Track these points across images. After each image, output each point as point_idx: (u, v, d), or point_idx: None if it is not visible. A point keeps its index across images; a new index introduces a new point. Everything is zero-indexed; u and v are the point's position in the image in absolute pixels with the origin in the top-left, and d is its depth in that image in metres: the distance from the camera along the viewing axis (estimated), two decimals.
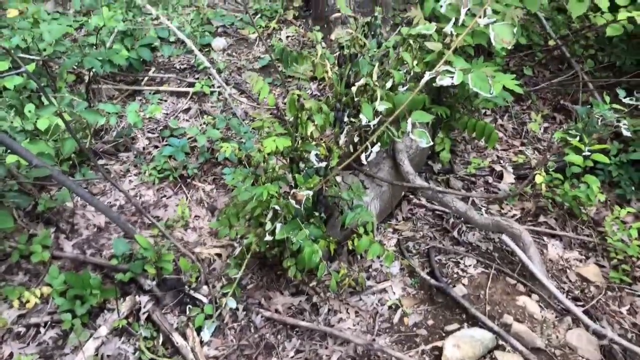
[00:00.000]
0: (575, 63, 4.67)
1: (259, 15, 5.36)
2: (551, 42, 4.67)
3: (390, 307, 2.92)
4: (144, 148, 3.90)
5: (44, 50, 3.84)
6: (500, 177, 3.86)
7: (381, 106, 2.51)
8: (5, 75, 2.44)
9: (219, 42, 4.92)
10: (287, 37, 5.20)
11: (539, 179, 3.42)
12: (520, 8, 3.45)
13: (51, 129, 3.13)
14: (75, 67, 4.12)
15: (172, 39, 4.77)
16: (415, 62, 2.59)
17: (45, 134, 3.15)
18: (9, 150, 2.70)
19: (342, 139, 2.82)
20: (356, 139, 2.78)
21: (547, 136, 4.33)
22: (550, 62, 5.02)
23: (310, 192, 2.63)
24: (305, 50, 5.09)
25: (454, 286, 2.99)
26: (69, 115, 2.50)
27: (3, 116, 3.05)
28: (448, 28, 2.60)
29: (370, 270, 3.13)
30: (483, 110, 4.45)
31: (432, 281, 2.98)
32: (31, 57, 3.78)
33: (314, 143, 2.76)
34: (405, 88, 2.66)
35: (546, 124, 4.44)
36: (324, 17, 5.16)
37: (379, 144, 2.68)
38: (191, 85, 4.39)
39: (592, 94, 4.47)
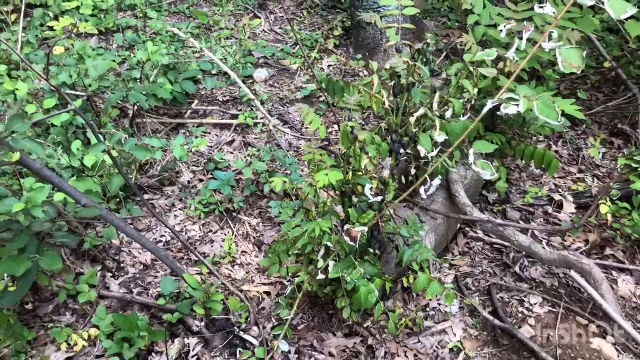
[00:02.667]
0: (632, 84, 4.46)
1: (299, 46, 5.31)
2: (606, 64, 4.47)
3: (451, 350, 2.73)
4: (188, 182, 3.84)
5: (89, 85, 3.84)
6: (559, 206, 3.65)
7: (440, 137, 2.38)
8: (56, 114, 2.39)
9: (260, 73, 4.88)
10: (329, 66, 5.14)
11: (603, 208, 3.22)
12: (578, 30, 3.31)
13: (97, 165, 3.11)
14: (119, 102, 4.11)
15: (214, 71, 4.75)
16: (475, 90, 2.45)
17: (92, 171, 3.12)
18: (56, 189, 2.66)
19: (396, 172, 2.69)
20: (413, 171, 2.64)
21: (606, 162, 4.10)
22: (603, 84, 4.81)
23: (365, 228, 2.50)
24: (348, 78, 5.01)
25: (520, 327, 2.79)
26: (118, 152, 2.44)
27: (50, 153, 3.03)
28: (510, 53, 2.46)
29: (427, 309, 2.96)
30: (536, 136, 4.27)
31: (496, 321, 2.79)
32: (77, 93, 3.79)
33: (367, 176, 2.64)
34: (466, 117, 2.53)
35: (604, 149, 4.22)
36: (365, 45, 5.08)
37: (439, 176, 2.54)
38: (234, 117, 4.34)
39: None
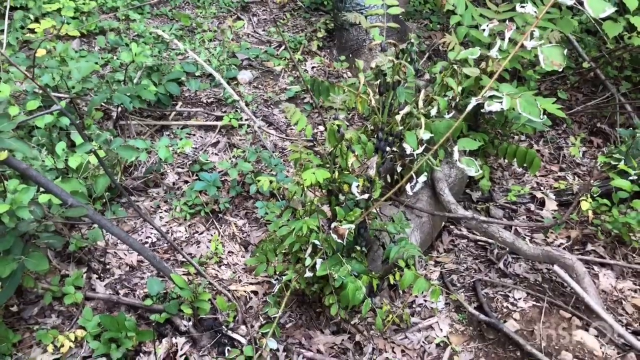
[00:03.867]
0: (610, 85, 4.55)
1: (284, 47, 5.33)
2: (585, 65, 4.56)
3: (438, 345, 2.76)
4: (173, 183, 3.83)
5: (73, 88, 3.81)
6: (542, 204, 3.71)
7: (425, 135, 2.41)
8: (40, 115, 2.38)
9: (245, 75, 4.89)
10: (313, 67, 5.16)
11: (584, 205, 3.28)
12: (558, 31, 3.37)
13: (82, 166, 3.09)
14: (102, 104, 4.09)
15: (198, 73, 4.75)
16: (459, 89, 2.49)
17: (77, 172, 3.10)
18: (42, 190, 2.64)
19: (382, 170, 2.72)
20: (399, 169, 2.67)
21: (587, 160, 4.18)
22: (583, 84, 4.90)
23: (352, 226, 2.52)
24: (332, 79, 5.04)
25: (505, 321, 2.83)
26: (105, 153, 2.43)
27: (35, 155, 3.00)
28: (493, 52, 2.51)
29: (414, 305, 2.99)
30: (518, 136, 4.34)
31: (482, 316, 2.82)
32: (60, 95, 3.76)
33: (353, 174, 2.66)
34: (450, 115, 2.56)
35: (584, 148, 4.30)
36: (349, 47, 5.11)
37: (425, 174, 2.58)
38: (219, 118, 4.34)
39: (629, 115, 4.34)
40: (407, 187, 2.57)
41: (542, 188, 3.88)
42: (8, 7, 4.72)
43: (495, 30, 3.04)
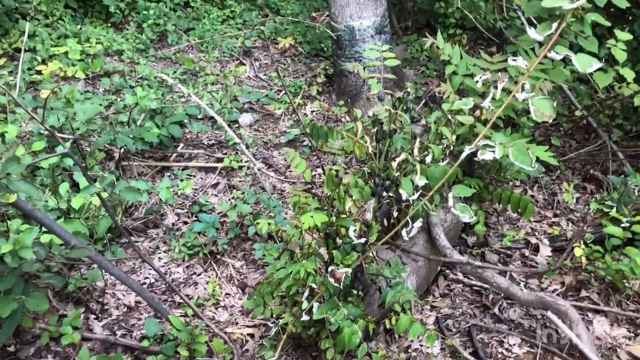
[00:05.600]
0: (602, 132, 4.66)
1: (284, 91, 5.47)
2: (577, 113, 4.68)
3: None
4: (173, 224, 3.88)
5: (78, 129, 3.91)
6: (536, 249, 3.76)
7: (421, 181, 2.48)
8: (48, 157, 2.45)
9: (245, 118, 5.00)
10: (312, 111, 5.28)
11: (578, 252, 3.33)
12: (549, 81, 3.48)
13: (85, 207, 3.15)
14: (105, 145, 4.18)
15: (200, 115, 4.86)
16: (454, 137, 2.58)
17: (79, 213, 3.16)
18: (44, 230, 2.69)
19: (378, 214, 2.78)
20: (395, 214, 2.73)
21: (580, 207, 4.25)
22: (576, 131, 5.01)
23: (349, 270, 2.56)
24: (331, 123, 5.15)
25: None
26: (108, 194, 2.50)
27: (38, 195, 3.06)
28: (486, 103, 2.61)
29: (409, 350, 3.00)
30: (513, 181, 4.41)
31: None
32: (65, 136, 3.85)
33: (350, 218, 2.72)
34: (445, 162, 2.64)
35: (577, 194, 4.37)
36: (348, 93, 5.24)
37: (420, 219, 2.64)
38: (219, 160, 4.42)
39: (622, 163, 4.43)
40: (403, 231, 2.62)
41: (536, 233, 3.94)
42: (24, 48, 4.85)
43: (489, 80, 3.15)
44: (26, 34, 4.93)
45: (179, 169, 4.34)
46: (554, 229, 3.90)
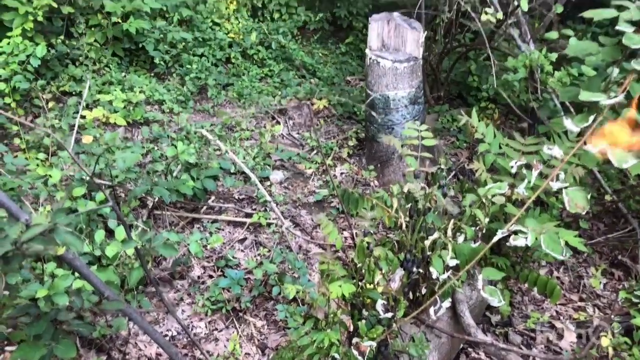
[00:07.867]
0: (632, 219, 4.64)
1: (315, 151, 5.58)
2: (607, 197, 4.68)
3: None
4: (198, 277, 3.92)
5: (116, 177, 4.03)
6: (560, 334, 3.70)
7: (452, 262, 2.51)
8: (97, 209, 2.54)
9: (276, 176, 5.11)
10: (342, 173, 5.37)
11: (605, 341, 3.28)
12: (581, 166, 3.53)
13: (117, 256, 3.22)
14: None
15: (233, 170, 4.98)
16: (486, 220, 2.62)
17: (112, 260, 3.23)
18: (76, 275, 2.76)
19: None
20: (424, 291, 2.75)
21: (607, 293, 4.20)
22: (604, 215, 5.00)
23: (374, 343, 2.57)
24: (359, 187, 5.23)
25: None
26: (146, 248, 2.58)
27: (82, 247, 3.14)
28: (521, 189, 2.65)
29: None
30: (539, 262, 4.39)
31: None
32: (104, 182, 3.97)
33: (378, 290, 2.74)
34: (477, 244, 2.68)
35: (604, 280, 4.32)
36: (378, 157, 5.33)
37: (449, 299, 2.65)
38: (248, 215, 4.49)
39: None
40: (431, 310, 2.63)
41: (561, 317, 3.89)
42: (86, 96, 5.05)
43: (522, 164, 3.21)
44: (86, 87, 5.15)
45: (208, 222, 4.42)
46: (580, 314, 3.85)
